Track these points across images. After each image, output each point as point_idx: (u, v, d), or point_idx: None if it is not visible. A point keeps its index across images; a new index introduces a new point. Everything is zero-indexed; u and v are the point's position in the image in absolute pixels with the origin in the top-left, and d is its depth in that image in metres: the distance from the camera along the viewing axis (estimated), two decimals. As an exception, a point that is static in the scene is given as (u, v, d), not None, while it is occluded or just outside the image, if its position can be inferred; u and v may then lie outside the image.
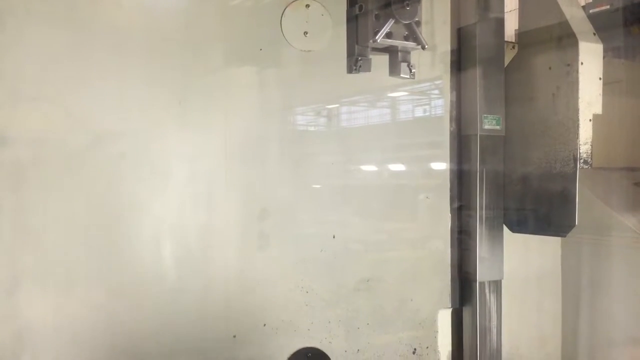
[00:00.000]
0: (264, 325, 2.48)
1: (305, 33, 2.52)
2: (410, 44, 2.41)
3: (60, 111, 2.11)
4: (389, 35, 2.34)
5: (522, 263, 3.18)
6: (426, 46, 2.44)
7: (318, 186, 2.64)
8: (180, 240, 2.34)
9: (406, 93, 2.90)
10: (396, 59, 2.46)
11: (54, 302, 2.12)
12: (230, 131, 2.42)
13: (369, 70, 2.47)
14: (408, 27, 2.36)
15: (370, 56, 2.45)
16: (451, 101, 2.85)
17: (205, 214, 2.38)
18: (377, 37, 2.31)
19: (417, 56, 2.64)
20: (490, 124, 2.72)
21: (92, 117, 2.17)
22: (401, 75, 2.47)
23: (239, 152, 2.44)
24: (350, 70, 2.47)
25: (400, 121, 2.94)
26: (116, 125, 2.21)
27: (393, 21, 2.31)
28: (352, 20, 2.44)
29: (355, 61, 2.44)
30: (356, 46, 2.43)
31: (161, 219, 2.30)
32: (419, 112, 2.97)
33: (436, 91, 2.90)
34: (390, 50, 2.47)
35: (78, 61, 2.14)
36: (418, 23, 2.38)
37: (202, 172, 2.37)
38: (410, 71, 2.48)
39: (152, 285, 2.28)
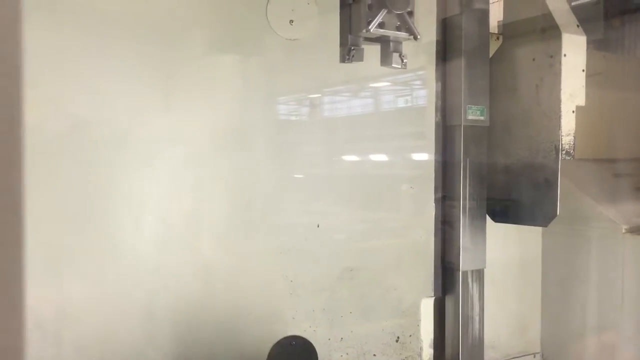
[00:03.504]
0: (249, 313, 2.49)
1: (291, 21, 2.51)
2: (402, 34, 2.43)
3: (40, 96, 2.08)
4: (381, 25, 2.34)
5: (503, 252, 3.22)
6: (419, 37, 2.45)
7: (302, 176, 2.64)
8: (163, 228, 2.32)
9: (392, 84, 2.91)
10: (388, 49, 2.47)
11: (32, 290, 2.10)
12: (215, 119, 2.40)
13: (361, 59, 2.47)
14: (400, 17, 2.37)
15: (363, 46, 2.46)
16: (436, 91, 2.86)
17: (189, 203, 2.37)
18: (370, 27, 2.31)
19: (403, 47, 2.64)
20: (474, 114, 2.74)
21: (73, 103, 2.14)
22: (393, 65, 2.48)
23: (223, 140, 2.42)
24: (343, 59, 2.47)
25: (385, 111, 2.95)
26: (98, 110, 2.18)
27: (386, 11, 2.31)
28: (345, 9, 2.44)
29: (348, 51, 2.45)
30: (349, 36, 2.44)
31: (144, 207, 2.28)
32: (404, 103, 2.98)
33: (421, 82, 2.90)
34: (382, 41, 2.48)
35: (59, 46, 2.10)
36: (410, 13, 2.38)
37: (186, 159, 2.35)
38: (402, 61, 2.49)
39: (135, 273, 2.26)
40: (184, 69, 2.34)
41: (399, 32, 2.41)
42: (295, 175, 2.63)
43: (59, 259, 2.13)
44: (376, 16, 2.31)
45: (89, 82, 2.16)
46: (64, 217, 2.14)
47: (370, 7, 2.32)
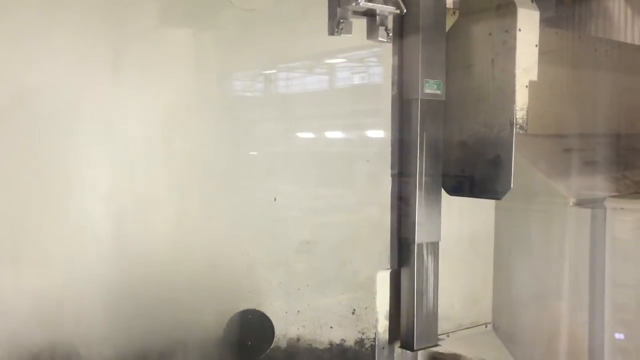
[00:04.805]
0: (206, 288, 2.46)
1: (248, -11, 2.46)
2: (389, 8, 2.51)
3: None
4: (370, -1, 2.37)
5: (457, 227, 3.28)
6: (405, 11, 2.55)
7: (257, 153, 2.61)
8: (116, 206, 2.26)
9: (348, 60, 2.90)
10: (374, 23, 2.54)
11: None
12: (167, 95, 2.34)
13: (350, 32, 2.53)
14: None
15: (351, 19, 2.51)
16: (393, 65, 2.86)
17: (141, 180, 2.31)
18: (360, 0, 2.40)
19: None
20: (431, 88, 2.75)
21: (19, 75, 2.05)
22: (379, 39, 2.57)
23: (176, 116, 2.37)
24: (332, 32, 2.52)
25: (342, 88, 2.94)
26: (45, 83, 2.09)
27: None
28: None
29: (337, 23, 2.49)
30: (338, 9, 2.49)
31: (95, 185, 2.22)
32: (361, 79, 2.98)
33: (378, 58, 2.90)
34: (369, 14, 2.53)
35: (5, 15, 1.99)
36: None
37: (137, 136, 2.29)
38: (388, 35, 2.57)
39: (87, 254, 2.20)
40: (134, 43, 2.26)
41: (386, 6, 2.50)
42: (251, 153, 2.60)
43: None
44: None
45: (33, 55, 2.07)
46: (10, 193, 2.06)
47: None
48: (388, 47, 2.84)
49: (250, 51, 2.55)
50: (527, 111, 2.64)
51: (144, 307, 2.33)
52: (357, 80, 2.98)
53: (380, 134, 2.90)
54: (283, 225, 2.67)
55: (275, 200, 2.61)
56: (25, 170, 2.09)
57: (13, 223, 2.08)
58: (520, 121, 2.63)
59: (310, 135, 2.85)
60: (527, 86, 2.64)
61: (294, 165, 2.70)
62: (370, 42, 2.75)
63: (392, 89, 2.86)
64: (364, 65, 2.99)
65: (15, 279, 2.09)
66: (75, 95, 2.16)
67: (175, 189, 2.40)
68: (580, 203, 3.06)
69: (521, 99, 2.62)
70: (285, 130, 2.70)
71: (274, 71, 2.67)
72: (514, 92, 2.62)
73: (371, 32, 2.58)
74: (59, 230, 2.16)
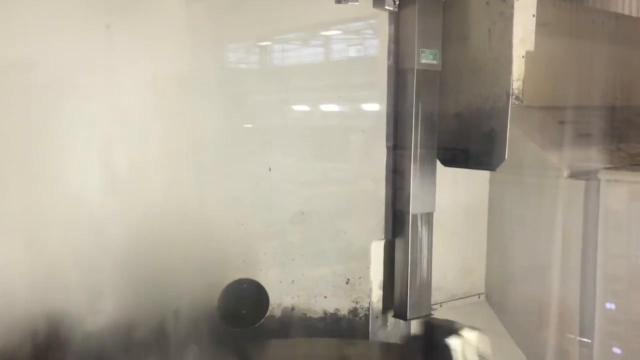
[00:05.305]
0: (200, 258, 2.47)
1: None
2: None
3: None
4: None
5: (452, 198, 3.28)
6: None
7: (251, 125, 2.60)
8: (108, 175, 2.25)
9: (344, 32, 2.88)
10: None
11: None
12: (160, 65, 2.31)
13: (356, 1, 2.51)
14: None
15: None
16: (389, 35, 2.83)
17: (135, 151, 2.30)
18: None
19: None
20: (427, 58, 2.73)
21: (11, 43, 2.02)
22: (386, 7, 2.58)
23: (170, 87, 2.34)
24: (338, 0, 2.50)
25: (337, 60, 2.91)
26: (37, 52, 2.07)
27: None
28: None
29: None
30: None
31: (87, 153, 2.20)
32: (357, 51, 2.96)
33: (375, 28, 2.87)
34: None
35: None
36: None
37: (130, 107, 2.27)
38: (395, 3, 2.57)
39: (76, 222, 2.20)
40: (128, 12, 2.22)
41: None
42: (245, 125, 2.58)
43: None
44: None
45: (23, 23, 2.03)
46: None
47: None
48: (384, 18, 2.81)
49: (244, 22, 2.51)
50: (523, 82, 2.62)
51: (137, 276, 2.33)
52: (352, 52, 2.96)
53: (376, 106, 2.89)
54: (277, 196, 2.67)
55: (270, 170, 2.61)
56: (17, 140, 2.07)
57: (4, 190, 2.06)
58: (517, 92, 2.61)
59: (305, 107, 2.84)
60: (524, 57, 2.62)
61: (288, 138, 2.69)
62: (366, 13, 2.72)
63: (388, 59, 2.84)
64: (360, 37, 2.97)
65: (7, 248, 2.09)
66: (68, 64, 2.13)
67: (169, 159, 2.39)
68: (574, 175, 3.07)
69: (518, 70, 2.60)
70: (280, 103, 2.68)
71: (269, 43, 2.64)
72: (510, 62, 2.60)
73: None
74: (51, 198, 2.15)
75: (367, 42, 2.95)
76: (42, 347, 2.14)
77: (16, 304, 2.10)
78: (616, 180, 2.87)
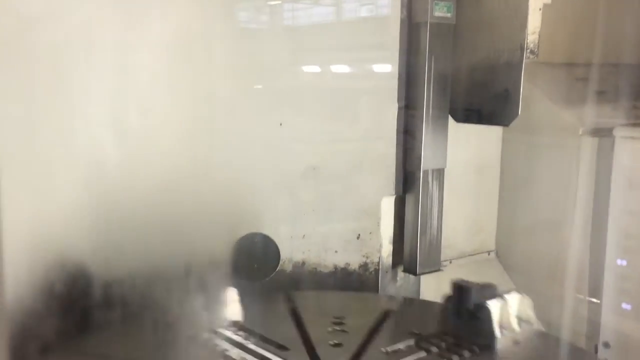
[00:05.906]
0: (211, 213, 2.48)
1: None
2: None
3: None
4: None
5: (463, 156, 3.27)
6: None
7: (260, 86, 2.60)
8: (122, 133, 2.25)
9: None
10: None
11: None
12: (172, 20, 2.29)
13: None
14: None
15: None
16: (402, -13, 2.77)
17: (148, 104, 2.30)
18: None
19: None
20: (441, 10, 2.67)
21: (23, 3, 1.98)
22: None
23: (181, 43, 2.32)
24: None
25: (349, 19, 2.88)
26: (49, 11, 2.03)
27: None
28: None
29: None
30: None
31: (101, 109, 2.20)
32: (369, 10, 2.91)
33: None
34: None
35: None
36: None
37: (142, 61, 2.26)
38: None
39: (88, 178, 2.21)
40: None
41: None
42: (254, 86, 2.58)
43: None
44: None
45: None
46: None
47: None
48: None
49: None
50: (539, 35, 2.57)
51: (150, 229, 2.35)
52: (364, 10, 2.91)
53: (388, 67, 2.85)
54: (289, 152, 2.68)
55: (280, 125, 2.60)
56: (30, 97, 2.07)
57: (19, 147, 2.07)
58: (532, 45, 2.56)
59: (316, 68, 2.82)
60: (540, 9, 2.56)
61: (299, 99, 2.68)
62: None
63: (401, 12, 2.78)
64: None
65: (19, 202, 2.11)
66: (80, 24, 2.11)
67: (180, 116, 2.39)
68: (588, 132, 3.03)
69: (533, 22, 2.54)
70: (291, 63, 2.67)
71: (279, 2, 2.61)
72: (526, 15, 2.54)
73: None
74: (65, 153, 2.17)
75: (380, 1, 2.90)
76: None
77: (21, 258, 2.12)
78: (632, 137, 2.83)
